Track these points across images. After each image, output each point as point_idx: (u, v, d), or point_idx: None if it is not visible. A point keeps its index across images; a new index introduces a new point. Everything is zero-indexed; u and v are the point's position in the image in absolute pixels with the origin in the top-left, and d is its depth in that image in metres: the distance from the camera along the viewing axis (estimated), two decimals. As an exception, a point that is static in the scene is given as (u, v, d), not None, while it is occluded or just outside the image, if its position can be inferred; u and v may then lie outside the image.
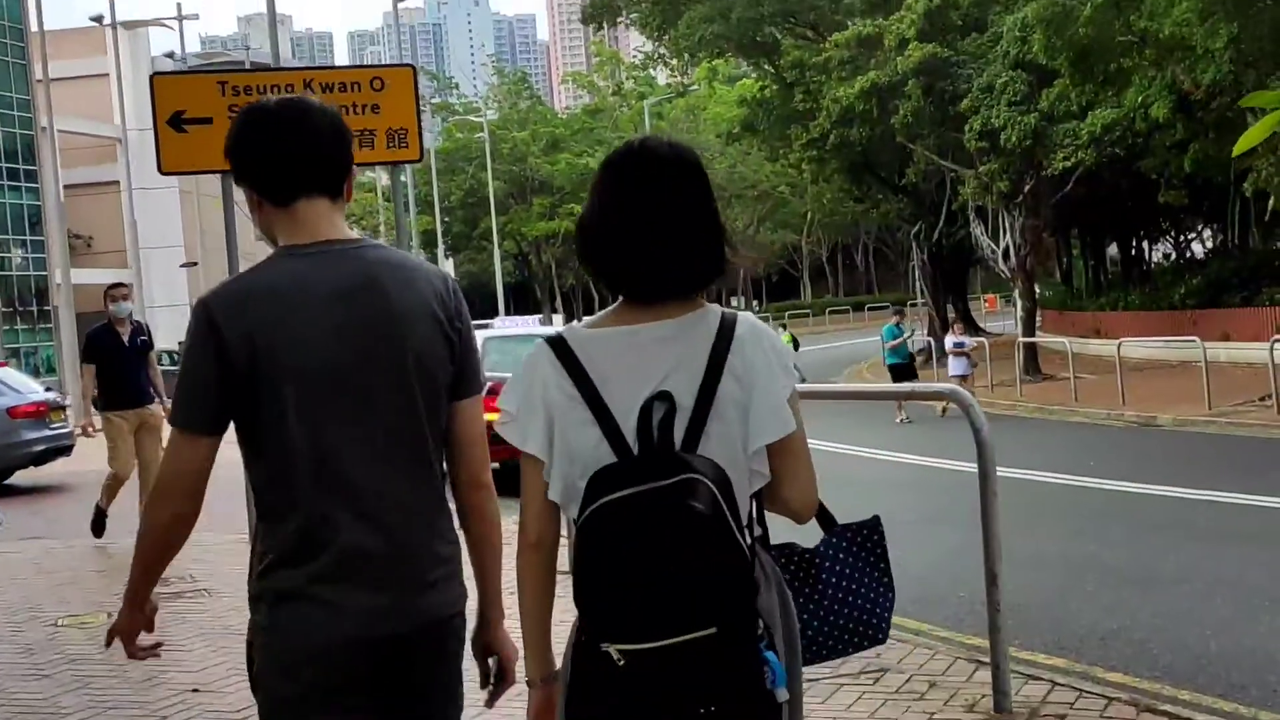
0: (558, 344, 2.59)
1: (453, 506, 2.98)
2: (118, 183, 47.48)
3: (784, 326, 43.71)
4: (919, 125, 30.72)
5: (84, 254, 64.19)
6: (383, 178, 61.69)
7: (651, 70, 78.03)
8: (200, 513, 2.81)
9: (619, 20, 42.71)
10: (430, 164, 64.70)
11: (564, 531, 2.69)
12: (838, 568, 2.87)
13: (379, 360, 2.78)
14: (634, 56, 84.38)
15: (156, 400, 12.27)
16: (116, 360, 12.22)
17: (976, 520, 5.69)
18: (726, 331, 2.56)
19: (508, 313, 68.43)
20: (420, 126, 10.99)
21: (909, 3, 30.99)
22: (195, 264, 46.08)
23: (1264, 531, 10.88)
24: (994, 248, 32.00)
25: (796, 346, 37.98)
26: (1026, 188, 29.39)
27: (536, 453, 2.56)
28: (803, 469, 2.64)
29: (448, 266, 74.42)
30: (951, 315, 30.98)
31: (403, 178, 10.49)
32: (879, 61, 31.31)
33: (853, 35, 32.39)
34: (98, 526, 12.34)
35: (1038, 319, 35.22)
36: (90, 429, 12.76)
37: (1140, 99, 22.55)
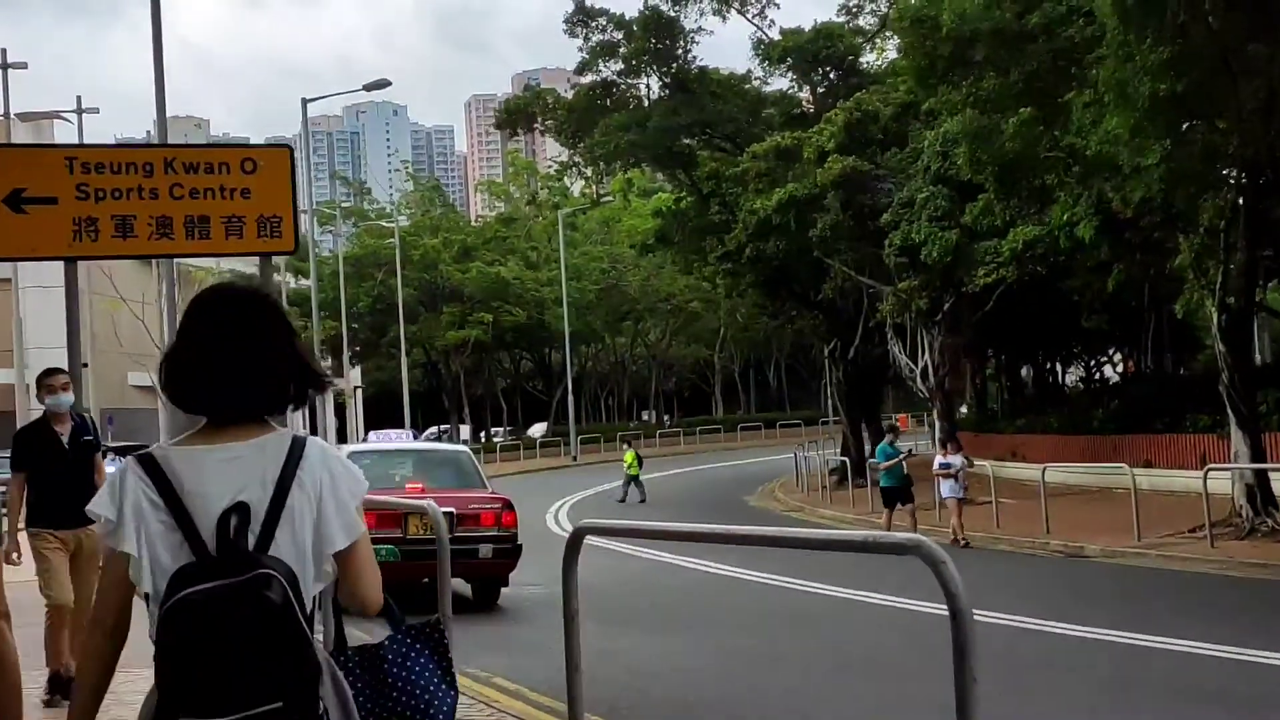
0: (146, 460, 2.94)
1: None
2: (9, 280, 45.80)
3: (628, 444, 43.85)
4: (837, 239, 30.07)
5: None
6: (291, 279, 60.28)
7: (566, 180, 77.72)
8: None
9: (534, 127, 42.04)
10: (339, 269, 63.43)
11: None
12: (401, 660, 3.14)
13: None
14: (549, 167, 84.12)
15: None
16: (54, 466, 9.61)
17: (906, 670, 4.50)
18: (297, 452, 2.96)
19: (414, 423, 66.85)
20: (296, 213, 9.78)
21: (829, 116, 30.52)
22: (86, 365, 44.13)
23: (1226, 691, 9.79)
24: (912, 366, 31.27)
25: (640, 464, 37.30)
26: (946, 305, 28.71)
27: (130, 551, 2.88)
28: (367, 569, 3.05)
29: (354, 374, 72.78)
30: (940, 435, 29.58)
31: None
32: (797, 174, 30.70)
33: (771, 146, 31.81)
34: (61, 690, 9.28)
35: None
36: (16, 556, 9.40)
37: (1066, 217, 21.93)
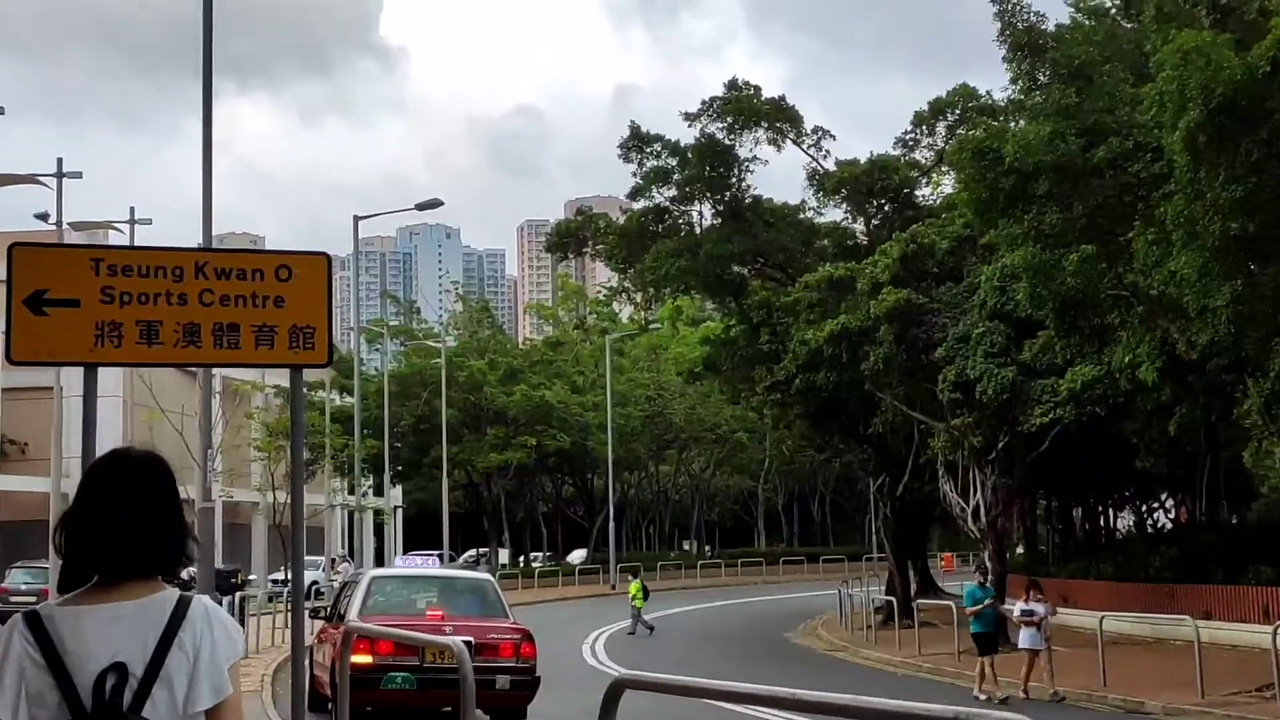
0: (32, 619, 3.10)
1: None
2: (63, 388, 45.79)
3: (634, 575, 42.85)
4: (889, 373, 29.44)
5: (16, 460, 61.88)
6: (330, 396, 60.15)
7: (615, 306, 77.77)
8: None
9: (585, 251, 41.86)
10: (384, 387, 63.25)
11: None
12: None
13: None
14: (599, 292, 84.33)
15: None
16: None
17: None
18: (180, 611, 3.15)
19: (454, 545, 66.07)
20: (331, 325, 9.29)
21: (883, 247, 30.07)
22: (124, 475, 43.73)
23: None
24: (963, 505, 30.40)
25: (646, 595, 36.39)
26: (1000, 444, 27.95)
27: (5, 715, 3.02)
28: None
29: (395, 493, 72.26)
30: (1026, 581, 28.40)
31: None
32: (849, 306, 30.20)
33: (824, 277, 31.37)
34: None
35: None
36: None
37: (1128, 358, 21.23)
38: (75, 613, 3.09)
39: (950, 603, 30.25)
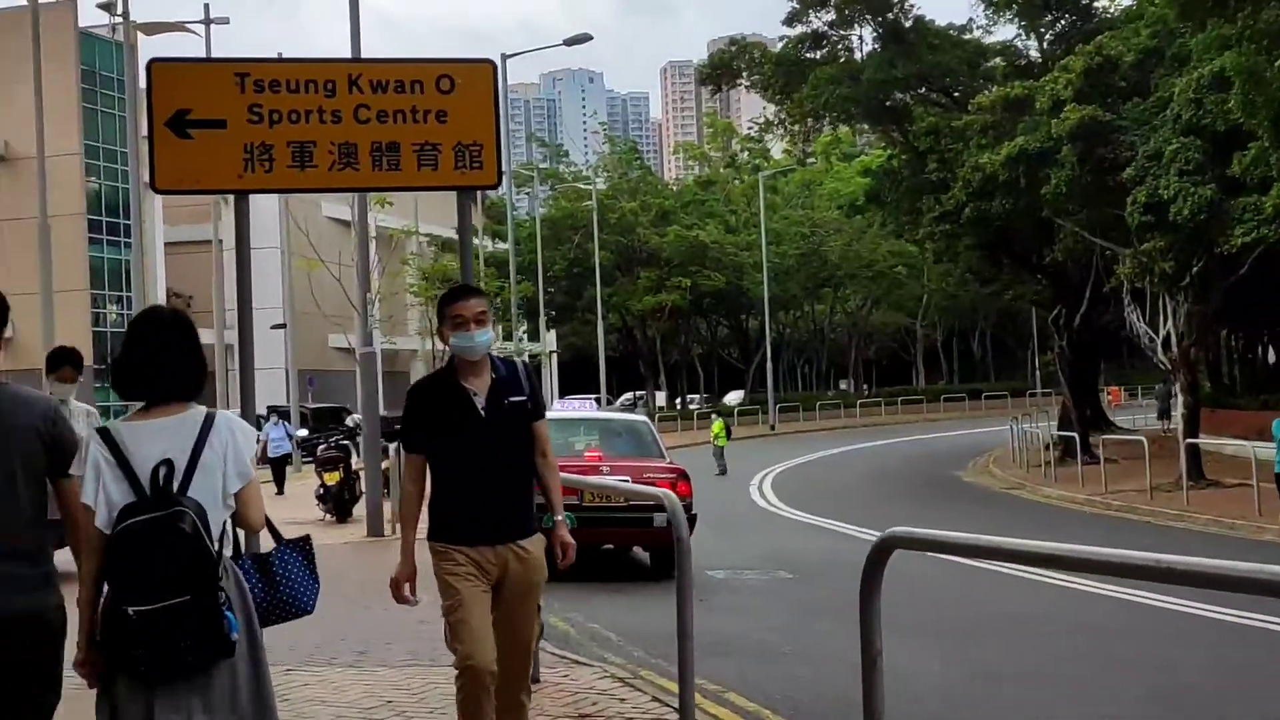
0: (103, 432, 4.22)
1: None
2: (221, 241, 45.80)
3: (718, 414, 43.07)
4: (1070, 197, 27.62)
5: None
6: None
7: (767, 141, 75.71)
8: None
9: (739, 82, 40.20)
10: (536, 231, 62.63)
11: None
12: (283, 564, 4.51)
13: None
14: (749, 129, 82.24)
15: None
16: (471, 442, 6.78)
17: None
18: (209, 422, 4.22)
19: (610, 389, 65.81)
20: (499, 142, 8.27)
21: (1064, 62, 28.01)
22: (284, 325, 43.89)
23: None
24: (1152, 335, 28.69)
25: (729, 434, 36.11)
26: (1195, 268, 26.14)
27: (89, 503, 4.14)
28: (254, 501, 4.32)
29: (549, 338, 72.04)
30: (1184, 410, 26.42)
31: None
32: (1027, 127, 28.32)
33: (999, 97, 29.44)
34: None
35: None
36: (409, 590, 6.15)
37: (1348, 169, 19.32)
38: (132, 426, 4.24)
39: (1140, 436, 28.85)
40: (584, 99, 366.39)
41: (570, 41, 44.96)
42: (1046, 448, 32.75)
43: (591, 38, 44.88)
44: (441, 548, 5.64)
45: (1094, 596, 12.94)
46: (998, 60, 37.12)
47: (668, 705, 7.48)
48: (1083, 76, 26.58)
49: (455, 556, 5.57)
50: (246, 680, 4.21)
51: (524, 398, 5.76)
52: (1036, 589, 13.65)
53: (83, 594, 4.20)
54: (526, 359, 24.44)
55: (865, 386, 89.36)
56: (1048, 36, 35.99)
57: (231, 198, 8.26)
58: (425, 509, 5.74)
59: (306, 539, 4.63)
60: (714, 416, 41.54)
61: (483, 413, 5.64)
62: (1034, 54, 36.53)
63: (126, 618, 3.97)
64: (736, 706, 8.02)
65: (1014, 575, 14.02)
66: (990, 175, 28.95)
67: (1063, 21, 35.32)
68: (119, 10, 35.11)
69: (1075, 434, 32.63)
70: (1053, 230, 31.55)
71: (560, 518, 5.85)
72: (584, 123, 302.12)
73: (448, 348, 5.73)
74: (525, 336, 66.34)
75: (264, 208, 43.39)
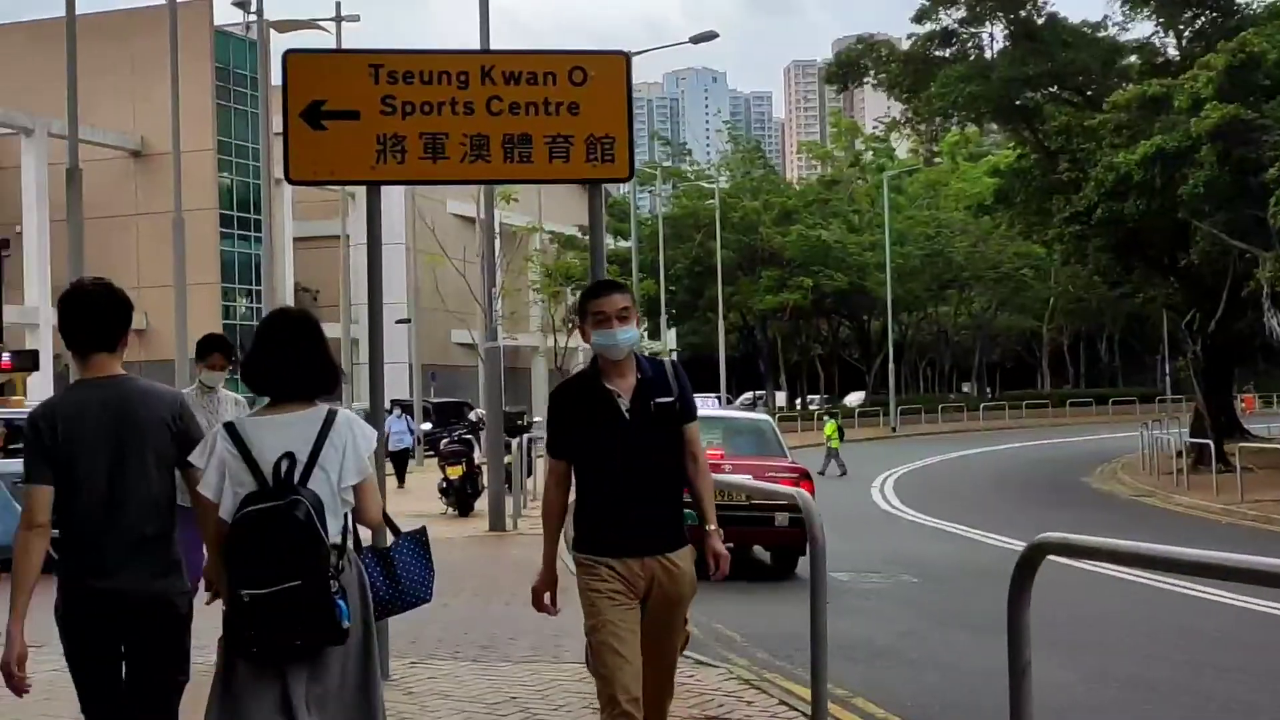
0: (229, 427, 4.40)
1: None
2: (349, 236, 46.56)
3: (832, 415, 42.46)
4: (1209, 198, 26.88)
5: (309, 307, 63.97)
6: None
7: (892, 141, 74.88)
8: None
9: (865, 81, 39.75)
10: (658, 230, 62.62)
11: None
12: (403, 556, 4.68)
13: (126, 445, 4.52)
14: (874, 128, 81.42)
15: None
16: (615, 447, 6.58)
17: None
18: (330, 419, 4.38)
19: (729, 388, 65.59)
20: (632, 135, 8.19)
21: (1204, 59, 27.27)
22: (409, 320, 44.45)
23: None
24: (1293, 342, 27.86)
25: (842, 436, 36.11)
26: (1340, 273, 25.32)
27: (211, 497, 4.34)
28: (371, 497, 4.49)
29: (669, 336, 72.02)
30: None
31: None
32: (1164, 126, 27.60)
33: (1135, 95, 28.73)
34: None
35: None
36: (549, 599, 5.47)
37: None
38: (256, 422, 4.44)
39: (1277, 445, 27.99)
40: (707, 98, 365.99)
41: (697, 39, 44.82)
42: (1178, 455, 31.93)
43: (718, 35, 44.68)
44: (587, 560, 5.31)
45: (1230, 608, 12.51)
46: (1133, 58, 36.30)
47: (796, 710, 7.33)
48: (1224, 74, 25.85)
49: (600, 571, 5.25)
50: (355, 672, 4.35)
51: (672, 399, 5.39)
52: (1167, 598, 13.22)
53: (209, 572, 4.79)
54: (674, 357, 24.66)
55: (989, 390, 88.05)
56: (1186, 33, 35.09)
57: (359, 193, 8.28)
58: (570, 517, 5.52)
59: (422, 530, 4.80)
60: (825, 418, 41.39)
61: (627, 415, 5.28)
62: (1172, 51, 35.67)
63: (241, 601, 4.15)
64: (866, 713, 7.84)
65: (1148, 584, 13.60)
66: (1124, 175, 28.30)
67: (1203, 18, 34.41)
68: (253, 8, 35.78)
69: (1209, 441, 31.75)
70: (1188, 232, 30.74)
71: (713, 528, 5.47)
72: (706, 122, 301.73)
73: (589, 346, 5.41)
74: (645, 335, 66.50)
75: (390, 203, 43.91)
